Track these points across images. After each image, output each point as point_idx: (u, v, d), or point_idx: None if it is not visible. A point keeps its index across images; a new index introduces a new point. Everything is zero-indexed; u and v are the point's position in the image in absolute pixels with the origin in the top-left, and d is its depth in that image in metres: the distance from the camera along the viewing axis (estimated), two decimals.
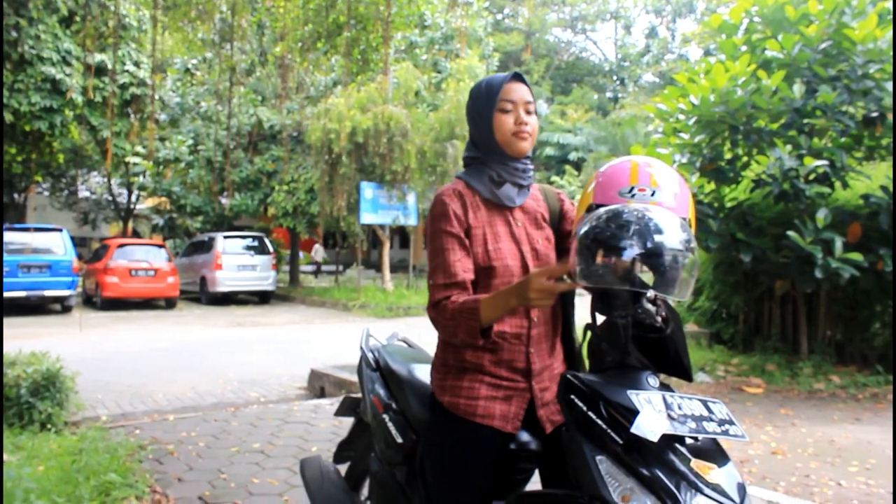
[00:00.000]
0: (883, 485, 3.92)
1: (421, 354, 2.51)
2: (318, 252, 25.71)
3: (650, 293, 1.55)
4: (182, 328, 11.88)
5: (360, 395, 2.53)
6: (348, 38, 10.31)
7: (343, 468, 2.71)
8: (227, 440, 4.68)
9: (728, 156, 6.93)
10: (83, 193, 26.05)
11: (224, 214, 19.74)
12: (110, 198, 24.70)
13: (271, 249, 17.50)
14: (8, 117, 13.08)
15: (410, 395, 2.12)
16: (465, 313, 1.65)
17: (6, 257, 12.77)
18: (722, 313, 8.07)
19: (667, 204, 1.63)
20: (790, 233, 6.01)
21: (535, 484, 1.91)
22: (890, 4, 6.60)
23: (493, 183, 1.83)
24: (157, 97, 18.51)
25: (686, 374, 1.64)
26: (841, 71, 6.41)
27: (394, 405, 2.19)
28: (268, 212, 19.56)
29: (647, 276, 1.57)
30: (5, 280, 12.69)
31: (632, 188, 1.65)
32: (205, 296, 16.84)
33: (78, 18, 13.73)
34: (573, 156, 28.25)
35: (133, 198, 24.41)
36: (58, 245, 13.90)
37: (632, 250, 1.54)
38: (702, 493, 1.39)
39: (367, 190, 15.25)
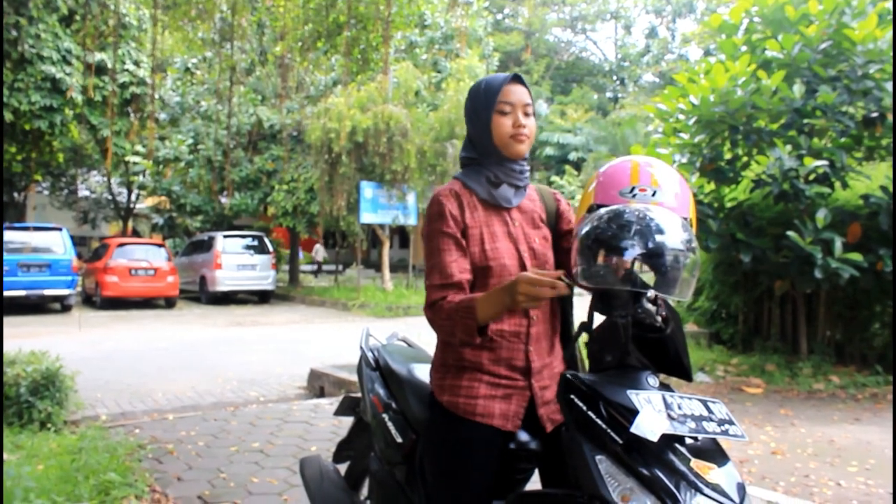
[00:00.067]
0: (882, 485, 3.92)
1: (421, 354, 2.51)
2: (319, 252, 25.73)
3: (650, 293, 1.55)
4: (182, 327, 11.88)
5: (359, 394, 2.53)
6: (348, 37, 10.31)
7: (343, 468, 2.71)
8: (227, 439, 4.68)
9: (728, 156, 6.93)
10: (83, 192, 26.06)
11: (224, 214, 19.74)
12: (110, 197, 24.71)
13: (271, 249, 17.50)
14: (8, 116, 13.08)
15: (410, 395, 2.12)
16: (461, 312, 1.65)
17: (6, 256, 12.76)
18: (722, 313, 8.07)
19: (668, 204, 1.63)
20: (790, 233, 6.01)
21: (535, 484, 1.91)
22: (890, 5, 6.60)
23: (490, 184, 1.84)
24: (157, 96, 18.52)
25: (686, 374, 1.64)
26: (841, 71, 6.41)
27: (393, 405, 2.19)
28: (268, 211, 19.56)
29: (647, 276, 1.57)
30: (5, 279, 12.69)
31: (633, 188, 1.65)
32: (204, 295, 16.84)
33: (78, 17, 13.73)
34: (573, 156, 28.25)
35: (133, 197, 24.42)
36: (57, 244, 13.90)
37: (633, 250, 1.55)
38: (701, 492, 1.40)
39: (367, 189, 15.25)
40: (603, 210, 1.63)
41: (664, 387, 1.58)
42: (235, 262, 16.55)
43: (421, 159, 15.25)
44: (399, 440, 2.09)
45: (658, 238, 1.55)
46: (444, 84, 17.73)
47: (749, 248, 6.46)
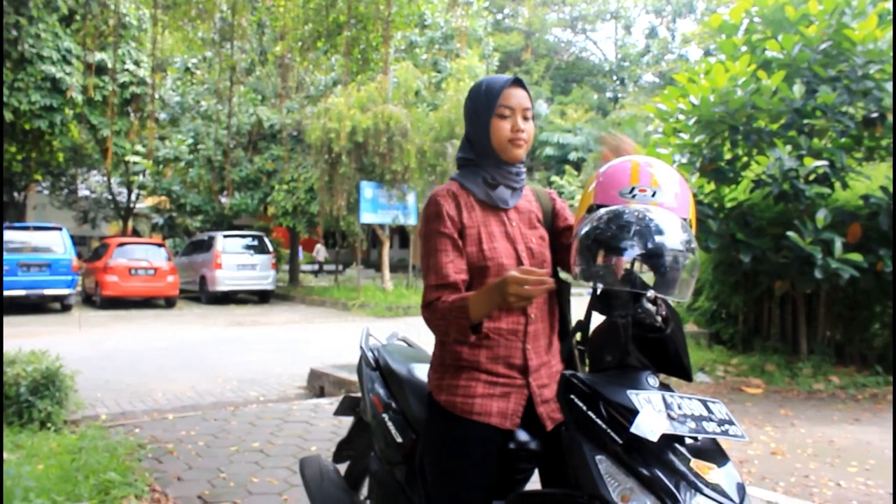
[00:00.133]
0: (882, 485, 3.92)
1: (421, 354, 2.51)
2: (321, 252, 25.76)
3: (650, 293, 1.55)
4: (181, 327, 11.88)
5: (359, 394, 2.53)
6: (348, 37, 10.31)
7: (342, 467, 2.71)
8: (227, 439, 4.68)
9: (728, 156, 6.93)
10: (83, 192, 26.06)
11: (224, 213, 19.74)
12: (110, 197, 24.71)
13: (271, 249, 17.51)
14: (8, 116, 13.07)
15: (410, 395, 2.12)
16: (454, 312, 1.67)
17: (6, 256, 12.76)
18: (721, 313, 8.07)
19: (668, 204, 1.63)
20: (790, 233, 6.01)
21: (535, 483, 1.91)
22: (890, 5, 6.60)
23: (487, 185, 1.85)
24: (157, 96, 18.53)
25: (686, 374, 1.64)
26: (841, 71, 6.41)
27: (393, 404, 2.19)
28: (268, 211, 19.56)
29: (647, 277, 1.57)
30: (5, 279, 12.69)
31: (632, 188, 1.65)
32: (204, 295, 16.84)
33: (78, 17, 13.73)
34: (573, 156, 28.25)
35: (133, 197, 24.42)
36: (57, 244, 13.90)
37: (632, 251, 1.55)
38: (701, 492, 1.40)
39: (367, 189, 15.25)
40: (602, 210, 1.63)
41: (664, 387, 1.58)
42: (235, 261, 16.55)
43: (421, 159, 15.25)
44: (399, 440, 2.09)
45: (657, 239, 1.55)
46: (444, 84, 17.73)
47: (749, 248, 6.46)
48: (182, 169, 19.63)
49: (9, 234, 13.39)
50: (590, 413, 1.52)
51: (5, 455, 3.60)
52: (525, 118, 1.81)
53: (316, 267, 25.51)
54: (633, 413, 1.45)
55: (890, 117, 6.18)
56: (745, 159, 6.95)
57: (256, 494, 3.62)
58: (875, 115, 6.32)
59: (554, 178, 25.95)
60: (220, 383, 6.88)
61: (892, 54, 6.12)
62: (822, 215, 6.05)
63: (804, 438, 4.90)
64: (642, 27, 40.55)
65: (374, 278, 19.91)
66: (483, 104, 1.81)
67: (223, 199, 19.78)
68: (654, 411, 1.46)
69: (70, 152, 19.81)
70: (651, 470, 1.43)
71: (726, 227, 6.61)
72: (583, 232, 1.63)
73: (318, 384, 6.60)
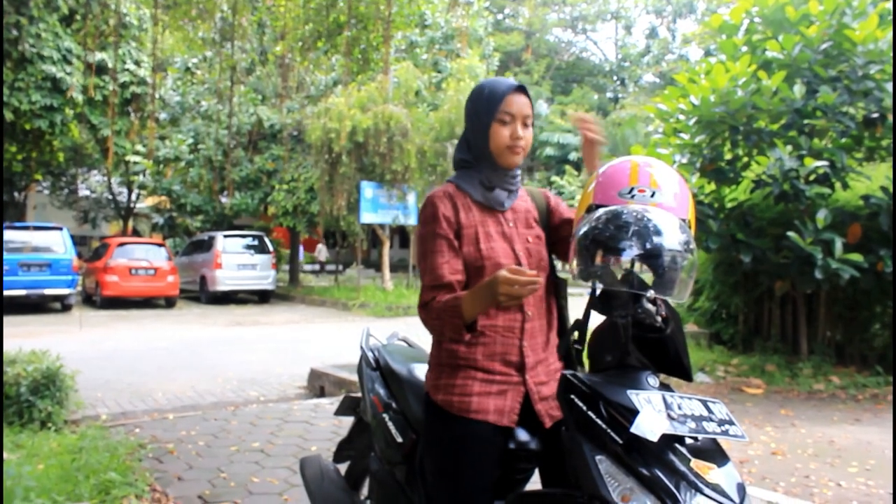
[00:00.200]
0: (882, 485, 3.92)
1: (421, 354, 2.51)
2: (322, 252, 25.80)
3: (650, 293, 1.55)
4: (182, 327, 11.88)
5: (359, 394, 2.53)
6: (349, 37, 10.31)
7: (343, 467, 2.71)
8: (227, 439, 4.68)
9: (728, 156, 6.93)
10: (83, 192, 26.06)
11: (224, 213, 19.74)
12: (110, 196, 24.72)
13: (271, 248, 17.51)
14: (8, 116, 13.08)
15: (410, 395, 2.12)
16: (448, 311, 1.68)
17: (6, 256, 12.76)
18: (722, 314, 8.07)
19: (667, 205, 1.64)
20: (790, 233, 6.01)
21: (534, 483, 1.91)
22: (890, 5, 6.60)
23: (484, 187, 1.87)
24: (157, 96, 18.52)
25: (686, 375, 1.64)
26: (841, 72, 6.41)
27: (394, 404, 2.19)
28: (268, 211, 19.57)
29: (646, 277, 1.58)
30: (5, 278, 12.69)
31: (631, 189, 1.65)
32: (204, 295, 16.84)
33: (78, 17, 13.73)
34: (573, 156, 28.25)
35: (133, 196, 24.43)
36: (58, 244, 13.90)
37: (631, 251, 1.55)
38: (701, 492, 1.40)
39: (367, 189, 15.25)
40: (601, 210, 1.63)
41: (664, 387, 1.58)
42: (235, 261, 16.55)
43: (421, 159, 15.25)
44: (399, 440, 2.09)
45: (656, 239, 1.55)
46: (445, 84, 17.73)
47: (749, 248, 6.46)
48: (182, 169, 19.64)
49: (9, 234, 13.39)
50: (590, 413, 1.52)
51: (6, 455, 3.60)
52: (525, 125, 1.82)
53: (317, 267, 25.53)
54: (633, 413, 1.45)
55: (890, 118, 6.18)
56: (745, 159, 6.95)
57: (257, 494, 3.62)
58: (875, 115, 6.32)
59: (554, 178, 25.96)
60: (220, 383, 6.88)
61: (892, 55, 6.12)
62: (822, 215, 6.05)
63: (804, 438, 4.90)
64: (643, 27, 40.59)
65: (374, 278, 19.91)
66: (484, 108, 1.82)
67: (223, 199, 19.78)
68: (654, 411, 1.46)
69: (70, 152, 19.82)
70: (651, 470, 1.43)
71: (727, 228, 6.61)
72: (581, 232, 1.63)
73: (319, 384, 6.60)
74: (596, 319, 1.69)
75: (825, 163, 6.17)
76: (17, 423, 4.59)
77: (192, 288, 17.40)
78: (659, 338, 1.61)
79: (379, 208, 15.52)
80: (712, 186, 6.93)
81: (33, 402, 4.66)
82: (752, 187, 6.76)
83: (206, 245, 17.14)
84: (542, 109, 29.68)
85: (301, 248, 23.86)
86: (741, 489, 1.45)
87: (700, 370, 6.91)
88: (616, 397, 1.50)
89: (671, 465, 1.44)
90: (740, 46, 7.12)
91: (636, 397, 1.49)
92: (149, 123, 16.42)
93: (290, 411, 5.51)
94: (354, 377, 5.76)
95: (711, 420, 1.49)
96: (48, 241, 13.86)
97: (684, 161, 6.84)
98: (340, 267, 23.65)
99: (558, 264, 2.02)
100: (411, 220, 16.15)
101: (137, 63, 16.86)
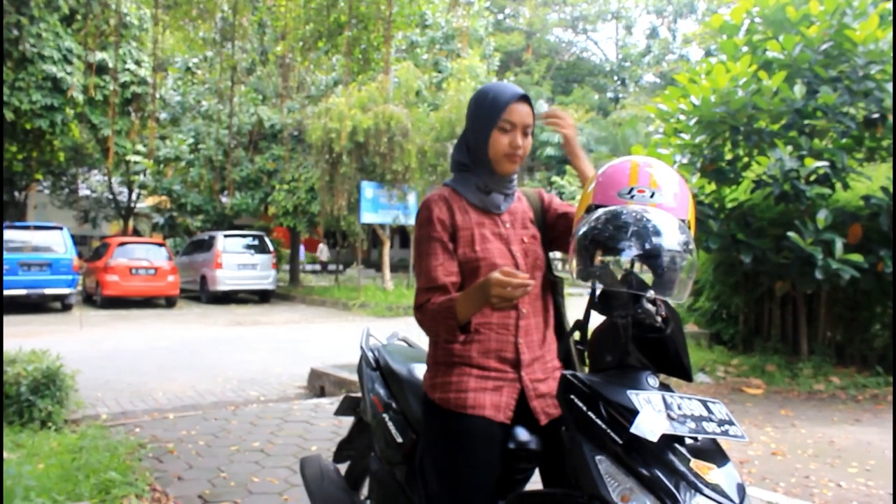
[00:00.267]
0: (882, 486, 3.92)
1: (421, 354, 2.50)
2: (324, 252, 25.83)
3: (649, 293, 1.55)
4: (182, 327, 11.88)
5: (359, 394, 2.54)
6: (349, 37, 10.30)
7: (343, 467, 2.71)
8: (227, 439, 4.68)
9: (729, 156, 6.93)
10: (84, 192, 26.07)
11: (224, 213, 19.75)
12: (111, 196, 24.72)
13: (271, 248, 17.51)
14: (9, 115, 13.08)
15: (410, 395, 2.12)
16: (442, 312, 1.71)
17: (7, 255, 12.77)
18: (722, 314, 8.07)
19: (666, 205, 1.64)
20: (790, 234, 6.01)
21: (534, 483, 1.91)
22: (891, 5, 6.60)
23: (480, 191, 1.88)
24: (158, 96, 18.53)
25: (686, 375, 1.64)
26: (842, 72, 6.41)
27: (394, 404, 2.19)
28: (268, 211, 19.57)
29: (646, 277, 1.58)
30: (6, 278, 12.70)
31: (631, 189, 1.65)
32: (205, 294, 16.84)
33: (79, 17, 13.72)
34: None
35: (133, 196, 24.43)
36: (58, 243, 13.91)
37: (630, 252, 1.55)
38: (701, 493, 1.40)
39: (368, 189, 15.26)
40: (601, 211, 1.64)
41: (664, 387, 1.58)
42: (236, 261, 16.56)
43: (422, 159, 15.25)
44: (399, 440, 2.09)
45: (655, 240, 1.55)
46: (445, 84, 17.74)
47: (750, 248, 6.46)
48: (183, 168, 19.64)
49: (9, 234, 13.40)
50: (590, 413, 1.52)
51: (6, 454, 3.60)
52: (525, 135, 1.84)
53: (319, 267, 25.55)
54: (633, 413, 1.45)
55: (891, 118, 6.18)
56: (745, 160, 6.94)
57: (257, 494, 3.62)
58: (876, 115, 6.32)
59: (554, 178, 25.96)
60: (220, 383, 6.89)
61: (892, 55, 6.11)
62: (822, 216, 6.05)
63: (804, 439, 4.90)
64: (643, 27, 40.61)
65: (374, 278, 19.92)
66: (486, 114, 1.84)
67: (224, 199, 19.78)
68: (653, 411, 1.46)
69: (71, 152, 19.82)
70: (651, 470, 1.43)
71: (727, 228, 6.61)
72: (581, 232, 1.63)
73: (319, 384, 6.60)
74: (596, 320, 1.69)
75: (825, 163, 6.16)
76: (18, 422, 4.59)
77: (193, 288, 17.40)
78: (659, 338, 1.61)
79: (379, 208, 15.52)
80: (713, 186, 6.93)
81: (33, 401, 4.67)
82: (752, 187, 6.76)
83: (207, 245, 17.14)
84: (542, 109, 29.63)
85: (303, 248, 23.88)
86: (741, 489, 1.45)
87: (700, 370, 6.91)
88: (616, 397, 1.50)
89: (671, 465, 1.44)
90: (741, 47, 7.11)
91: (636, 397, 1.49)
92: (149, 123, 16.41)
93: (290, 411, 5.51)
94: (354, 377, 5.76)
95: (711, 420, 1.49)
96: (48, 241, 13.87)
97: (685, 161, 6.84)
98: (341, 267, 23.66)
99: (558, 264, 2.03)
100: (412, 220, 16.13)
101: (138, 63, 16.86)
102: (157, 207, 22.49)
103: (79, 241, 18.86)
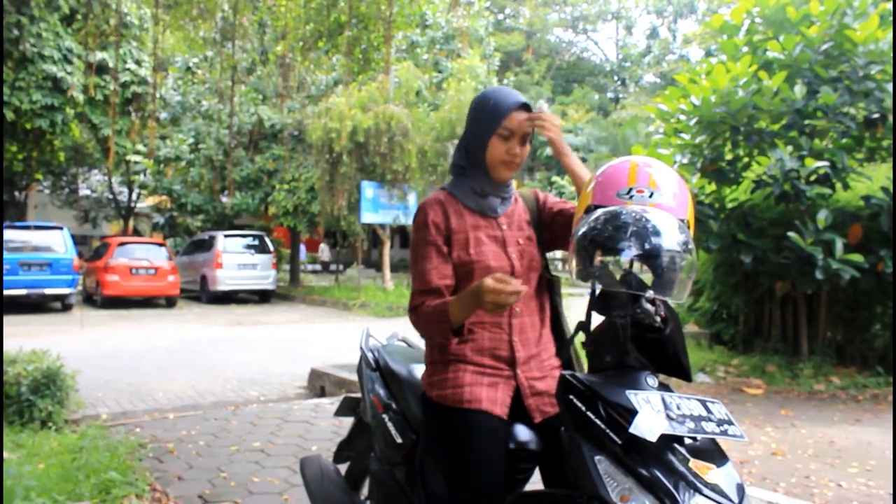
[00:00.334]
0: (883, 486, 3.92)
1: (420, 354, 2.50)
2: (325, 252, 25.84)
3: (649, 293, 1.55)
4: (182, 327, 11.88)
5: (359, 394, 2.54)
6: (349, 37, 10.30)
7: (343, 468, 2.71)
8: (227, 439, 4.68)
9: (729, 156, 6.93)
10: (84, 191, 26.08)
11: (225, 213, 19.75)
12: (111, 196, 24.72)
13: (272, 248, 17.52)
14: (9, 115, 13.08)
15: (410, 395, 2.12)
16: (436, 315, 1.73)
17: (7, 255, 12.77)
18: (722, 314, 8.06)
19: (666, 205, 1.64)
20: (791, 234, 6.01)
21: (534, 484, 1.91)
22: (891, 6, 6.60)
23: (477, 195, 1.90)
24: (158, 95, 18.52)
25: (685, 375, 1.65)
26: (842, 72, 6.41)
27: (393, 405, 2.19)
28: (268, 211, 19.57)
29: (645, 277, 1.58)
30: (6, 278, 12.70)
31: (630, 189, 1.65)
32: (205, 294, 16.85)
33: (79, 16, 13.72)
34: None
35: (134, 196, 24.42)
36: (58, 243, 13.91)
37: (629, 252, 1.56)
38: (700, 493, 1.40)
39: (368, 189, 15.26)
40: (600, 211, 1.64)
41: (663, 387, 1.58)
42: (236, 261, 16.56)
43: (422, 159, 15.25)
44: (399, 440, 2.09)
45: (654, 240, 1.55)
46: (446, 84, 17.74)
47: (750, 248, 6.46)
48: (183, 168, 19.64)
49: (9, 234, 13.40)
50: (589, 413, 1.52)
51: (6, 454, 3.60)
52: (523, 142, 1.86)
53: (319, 267, 25.57)
54: (632, 413, 1.45)
55: (891, 118, 6.18)
56: (745, 160, 6.94)
57: (257, 494, 3.62)
58: (876, 115, 6.32)
59: (554, 178, 25.94)
60: (220, 383, 6.89)
61: (892, 55, 6.11)
62: (822, 216, 6.05)
63: (805, 439, 4.90)
64: (643, 27, 40.62)
65: (374, 278, 19.92)
66: (487, 120, 1.85)
67: (224, 199, 19.79)
68: (653, 411, 1.46)
69: (71, 151, 19.81)
70: (650, 470, 1.43)
71: (727, 228, 6.61)
72: (580, 232, 1.64)
73: (319, 384, 6.60)
74: (598, 320, 1.69)
75: (826, 163, 6.16)
76: (18, 422, 4.59)
77: (193, 287, 17.40)
78: (658, 338, 1.61)
79: (379, 208, 15.53)
80: (713, 187, 6.93)
81: (34, 401, 4.67)
82: (752, 188, 6.76)
83: (207, 245, 17.14)
84: (543, 109, 29.61)
85: (304, 248, 23.89)
86: (740, 489, 1.45)
87: (700, 370, 6.91)
88: (615, 397, 1.50)
89: (670, 465, 1.44)
90: (741, 47, 7.11)
91: (635, 397, 1.49)
92: (150, 123, 16.42)
93: (290, 411, 5.51)
94: (354, 377, 5.75)
95: (710, 420, 1.49)
96: (49, 241, 13.87)
97: (685, 161, 6.84)
98: (341, 267, 23.66)
99: (558, 264, 2.04)
100: (411, 221, 16.15)
101: (138, 63, 16.86)
102: (157, 207, 22.50)
103: (79, 240, 18.86)
